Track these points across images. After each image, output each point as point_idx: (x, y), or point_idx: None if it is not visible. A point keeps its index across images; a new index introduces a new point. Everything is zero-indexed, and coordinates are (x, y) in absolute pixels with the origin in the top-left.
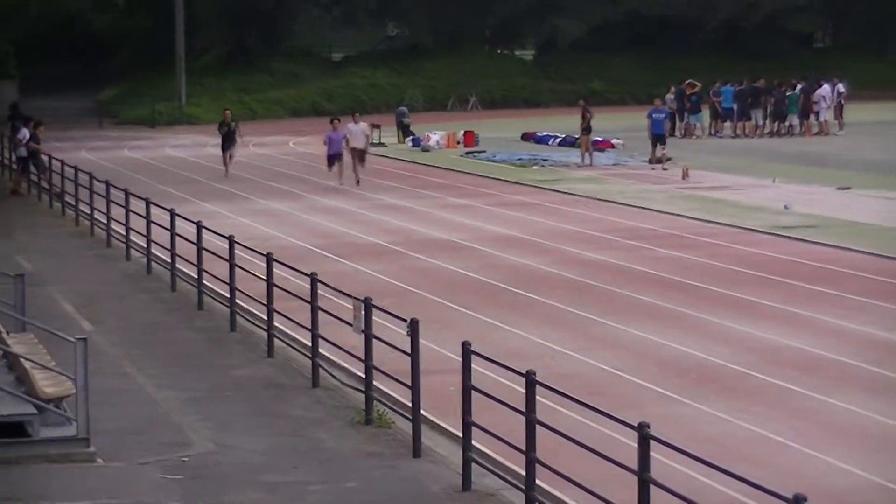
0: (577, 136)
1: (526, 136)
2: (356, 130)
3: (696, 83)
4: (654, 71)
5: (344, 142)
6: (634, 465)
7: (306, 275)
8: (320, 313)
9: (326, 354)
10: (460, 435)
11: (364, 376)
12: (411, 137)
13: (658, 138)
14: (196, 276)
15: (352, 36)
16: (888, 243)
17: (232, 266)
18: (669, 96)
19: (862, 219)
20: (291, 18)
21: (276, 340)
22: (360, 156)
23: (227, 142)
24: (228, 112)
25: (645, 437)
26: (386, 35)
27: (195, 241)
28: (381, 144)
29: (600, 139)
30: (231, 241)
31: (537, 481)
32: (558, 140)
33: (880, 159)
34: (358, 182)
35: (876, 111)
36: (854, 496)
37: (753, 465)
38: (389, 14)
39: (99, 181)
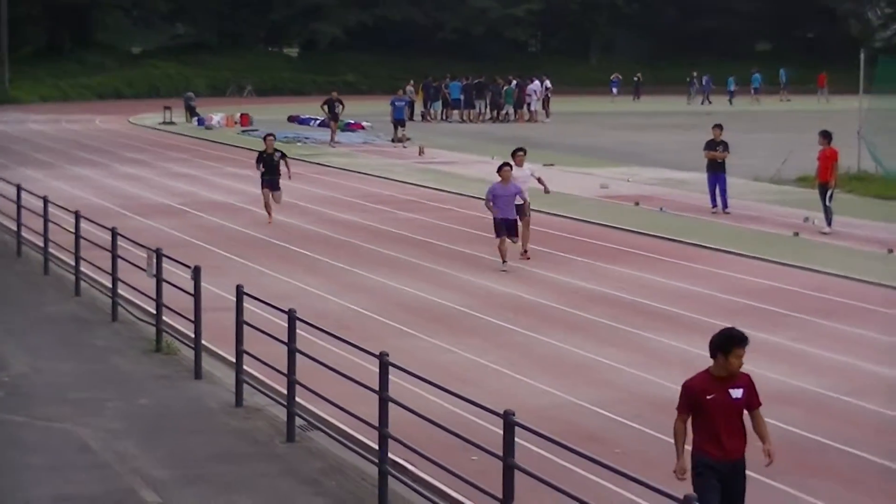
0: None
1: (291, 119)
2: (521, 178)
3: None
4: (398, 67)
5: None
6: (377, 387)
7: (108, 229)
8: (119, 261)
9: (124, 294)
10: (234, 361)
11: (155, 312)
12: (197, 118)
13: (399, 122)
14: (16, 230)
15: (150, 33)
16: (585, 209)
17: (46, 221)
18: (409, 88)
19: (563, 190)
20: (99, 17)
21: (82, 283)
22: (522, 214)
23: (270, 175)
24: (271, 138)
25: (384, 363)
26: (176, 33)
27: (15, 200)
28: (171, 123)
29: (353, 122)
30: (45, 200)
31: (297, 399)
32: (318, 122)
33: (579, 143)
34: (525, 253)
35: (576, 104)
36: (554, 412)
37: (473, 387)
38: (180, 16)
39: None
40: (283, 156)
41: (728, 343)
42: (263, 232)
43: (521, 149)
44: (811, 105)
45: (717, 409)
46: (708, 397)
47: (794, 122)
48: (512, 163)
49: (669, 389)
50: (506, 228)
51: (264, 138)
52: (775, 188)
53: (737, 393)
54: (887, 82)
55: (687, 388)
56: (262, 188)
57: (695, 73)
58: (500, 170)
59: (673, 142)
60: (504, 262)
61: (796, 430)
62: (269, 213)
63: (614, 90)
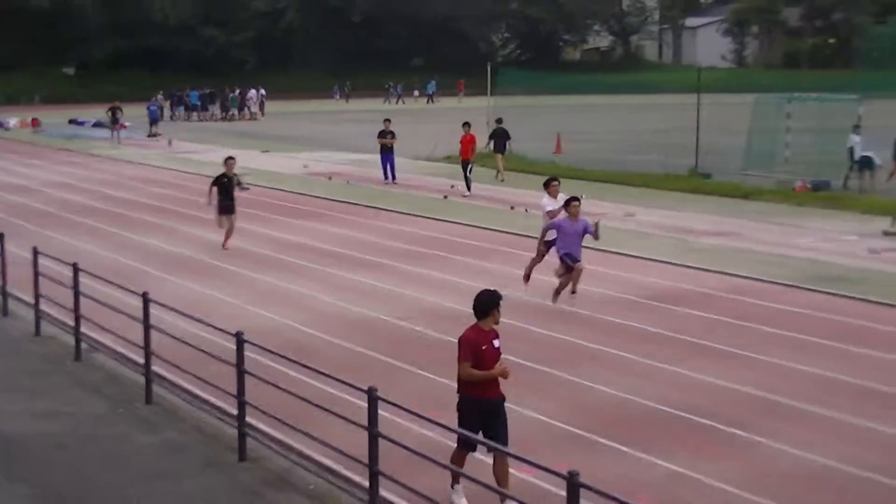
0: (103, 123)
1: (72, 121)
2: (559, 210)
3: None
4: (150, 80)
5: (585, 237)
6: (141, 318)
7: None
8: None
9: None
10: (33, 302)
11: None
12: None
13: (153, 122)
14: None
15: None
16: (290, 183)
17: None
18: (160, 96)
19: (276, 170)
20: None
21: None
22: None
23: (228, 200)
24: (233, 161)
25: (146, 300)
26: None
27: None
28: None
29: (121, 122)
30: None
31: (82, 329)
32: (92, 123)
33: (289, 134)
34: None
35: (283, 106)
36: (275, 331)
37: (214, 315)
38: None
39: None
40: (238, 179)
41: (498, 300)
42: (54, 207)
43: (554, 178)
44: (454, 104)
45: (488, 358)
46: (483, 347)
47: (443, 117)
48: (547, 196)
49: (352, 312)
50: (570, 261)
51: (225, 161)
52: (430, 164)
53: (497, 343)
54: (506, 87)
55: (470, 341)
56: (219, 213)
57: (391, 82)
58: (567, 204)
59: (359, 132)
60: (561, 293)
61: (449, 338)
62: (227, 238)
63: (336, 95)
